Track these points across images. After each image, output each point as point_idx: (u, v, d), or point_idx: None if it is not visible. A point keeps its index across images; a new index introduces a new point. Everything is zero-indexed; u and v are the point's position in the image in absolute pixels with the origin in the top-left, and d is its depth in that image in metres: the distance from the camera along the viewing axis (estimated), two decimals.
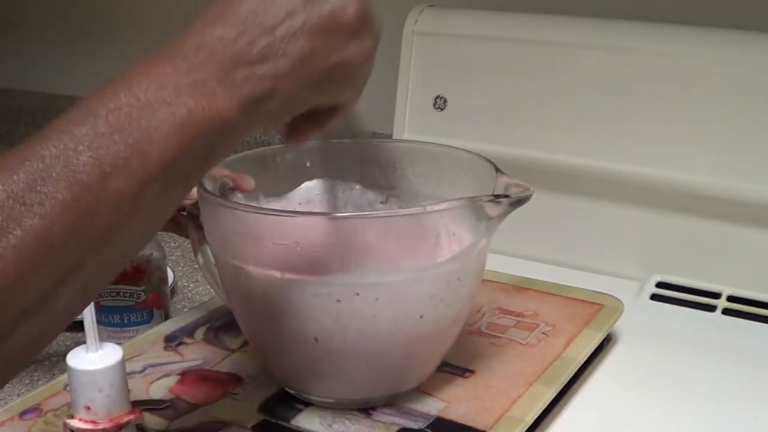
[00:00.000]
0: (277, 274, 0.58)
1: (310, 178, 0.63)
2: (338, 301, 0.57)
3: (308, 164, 0.62)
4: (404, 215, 0.60)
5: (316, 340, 0.59)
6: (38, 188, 0.40)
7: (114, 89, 0.44)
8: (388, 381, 0.63)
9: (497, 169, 0.62)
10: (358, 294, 0.57)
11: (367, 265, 0.57)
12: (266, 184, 0.69)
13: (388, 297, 0.58)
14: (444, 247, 0.58)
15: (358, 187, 0.63)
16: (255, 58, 0.47)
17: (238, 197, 0.66)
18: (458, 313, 0.63)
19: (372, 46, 0.51)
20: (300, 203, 0.67)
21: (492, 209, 0.59)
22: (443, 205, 0.58)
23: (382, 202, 0.69)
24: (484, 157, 0.64)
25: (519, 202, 0.59)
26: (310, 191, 0.63)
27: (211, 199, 0.59)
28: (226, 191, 0.64)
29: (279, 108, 0.49)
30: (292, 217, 0.60)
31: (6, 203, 0.39)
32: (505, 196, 0.59)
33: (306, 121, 0.53)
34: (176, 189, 0.46)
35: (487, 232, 0.61)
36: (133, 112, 0.43)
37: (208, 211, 0.62)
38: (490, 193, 0.59)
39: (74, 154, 0.41)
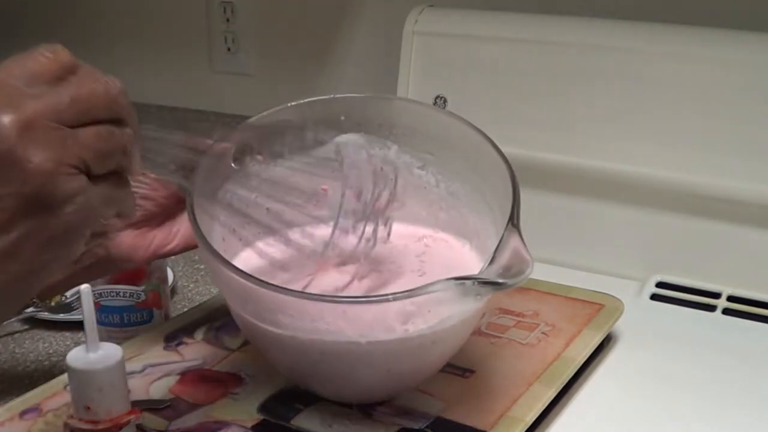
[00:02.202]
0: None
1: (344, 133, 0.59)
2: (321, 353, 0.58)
3: (342, 118, 0.58)
4: (375, 302, 0.57)
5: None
6: None
7: None
8: (388, 386, 0.63)
9: (513, 221, 0.55)
10: (334, 354, 0.57)
11: (342, 330, 0.56)
12: (294, 137, 0.64)
13: (361, 360, 0.58)
14: (417, 322, 0.56)
15: (395, 147, 0.60)
16: None
17: (258, 159, 0.63)
18: (432, 367, 0.63)
19: (44, 171, 0.41)
20: (331, 158, 0.64)
21: (480, 290, 0.53)
22: (420, 298, 0.53)
23: (419, 168, 0.66)
24: (514, 180, 0.59)
25: (509, 286, 0.52)
26: (343, 146, 0.60)
27: (216, 262, 0.57)
28: (246, 153, 0.61)
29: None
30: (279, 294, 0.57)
31: None
32: (495, 284, 0.52)
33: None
34: None
35: (474, 303, 0.57)
36: None
37: (214, 267, 0.60)
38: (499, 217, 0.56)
39: None
